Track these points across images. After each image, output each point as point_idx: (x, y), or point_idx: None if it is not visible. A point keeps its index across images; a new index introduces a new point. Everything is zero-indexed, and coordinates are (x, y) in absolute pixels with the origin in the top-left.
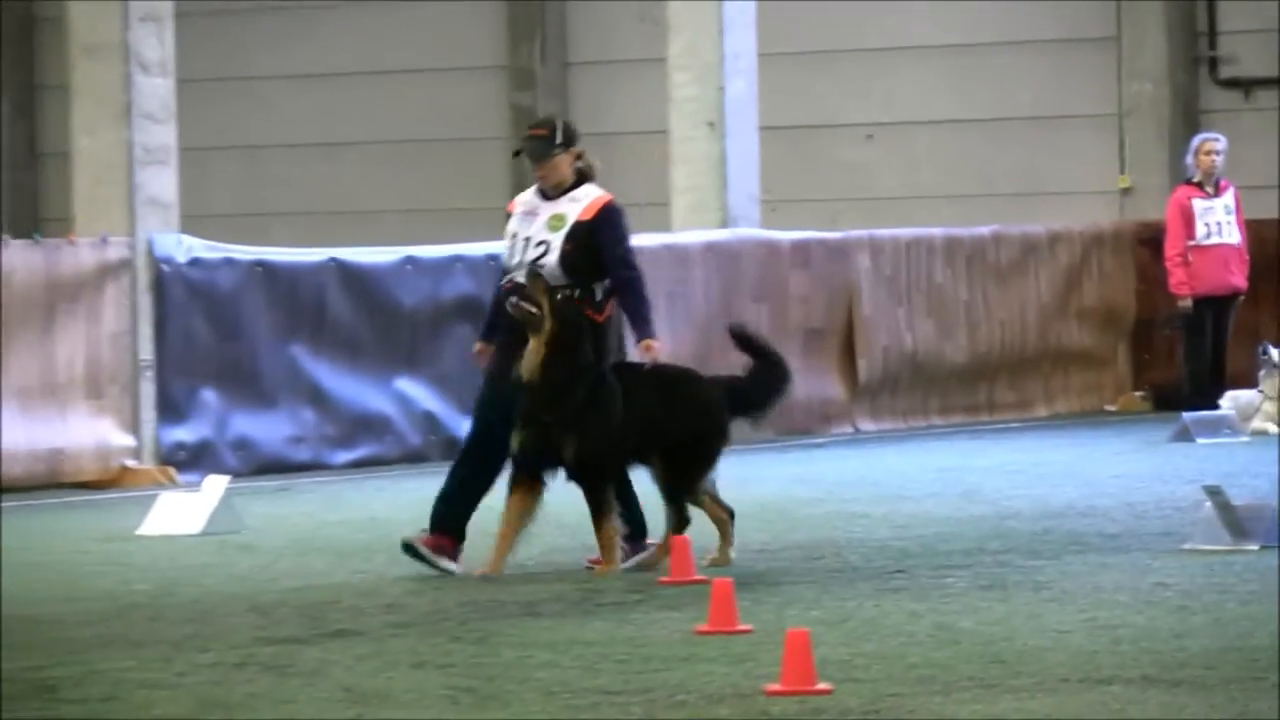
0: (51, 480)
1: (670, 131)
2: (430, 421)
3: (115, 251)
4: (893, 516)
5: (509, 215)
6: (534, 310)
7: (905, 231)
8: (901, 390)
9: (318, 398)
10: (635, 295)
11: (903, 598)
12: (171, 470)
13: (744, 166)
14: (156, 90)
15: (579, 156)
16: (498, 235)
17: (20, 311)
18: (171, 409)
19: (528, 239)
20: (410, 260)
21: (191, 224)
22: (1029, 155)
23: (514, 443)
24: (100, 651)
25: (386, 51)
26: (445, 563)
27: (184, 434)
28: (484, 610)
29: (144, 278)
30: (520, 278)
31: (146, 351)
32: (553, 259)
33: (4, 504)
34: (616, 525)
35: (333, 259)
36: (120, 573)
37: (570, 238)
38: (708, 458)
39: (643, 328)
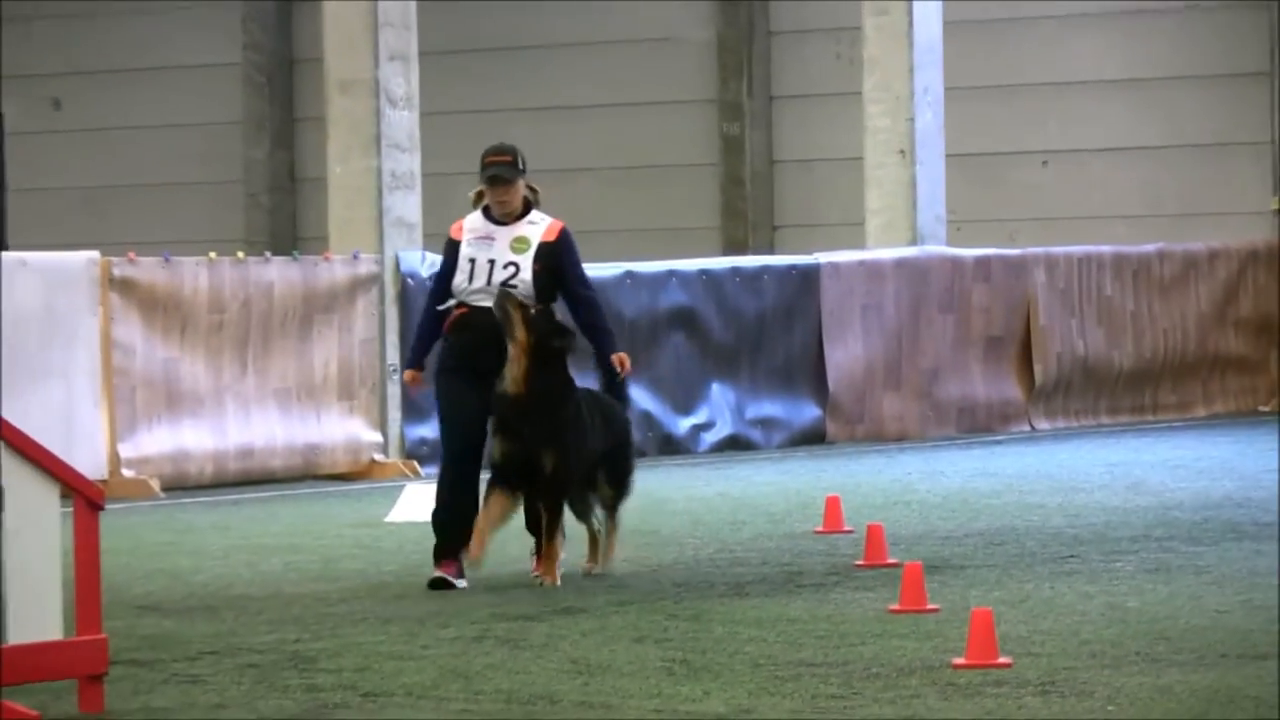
0: (308, 473)
1: (865, 158)
2: (648, 420)
3: (365, 267)
4: (1066, 507)
5: (452, 241)
6: (509, 315)
7: (1077, 249)
8: (1074, 392)
9: None
10: (598, 312)
11: (1076, 580)
12: (415, 464)
13: (931, 190)
14: (403, 122)
15: (528, 184)
16: (709, 252)
17: (280, 321)
18: (415, 409)
19: (491, 261)
20: (630, 274)
21: (434, 242)
22: (1191, 179)
23: (495, 452)
24: (353, 627)
25: (613, 87)
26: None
27: (426, 431)
28: (697, 590)
29: (390, 290)
30: (481, 300)
31: (393, 356)
32: (526, 278)
33: (266, 494)
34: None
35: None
36: (369, 556)
37: (538, 258)
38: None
39: (611, 342)
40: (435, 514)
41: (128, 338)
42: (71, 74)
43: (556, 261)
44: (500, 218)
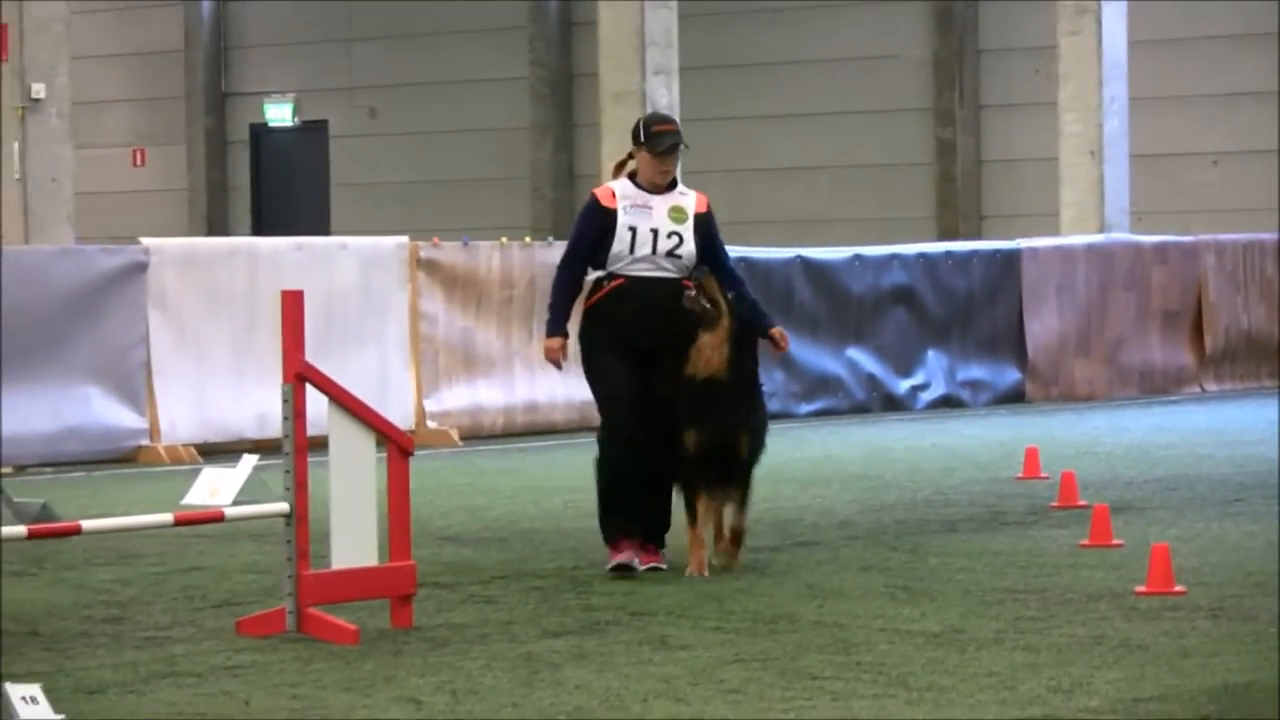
0: (584, 425)
1: (1060, 159)
2: (873, 381)
3: None
4: (1233, 457)
5: (603, 208)
6: (710, 306)
7: (1242, 236)
8: (1238, 360)
9: (786, 362)
10: (747, 286)
11: (1241, 520)
12: None
13: (1117, 186)
14: None
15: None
16: (926, 239)
17: None
18: None
19: (654, 230)
20: (858, 258)
21: None
22: None
23: (688, 443)
24: None
25: (845, 97)
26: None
27: None
28: (914, 527)
29: None
30: (645, 271)
31: None
32: (690, 249)
33: (548, 443)
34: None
35: (799, 256)
36: None
37: (695, 229)
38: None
39: (767, 317)
40: (607, 500)
41: (432, 310)
42: (385, 86)
43: (708, 232)
44: (653, 187)
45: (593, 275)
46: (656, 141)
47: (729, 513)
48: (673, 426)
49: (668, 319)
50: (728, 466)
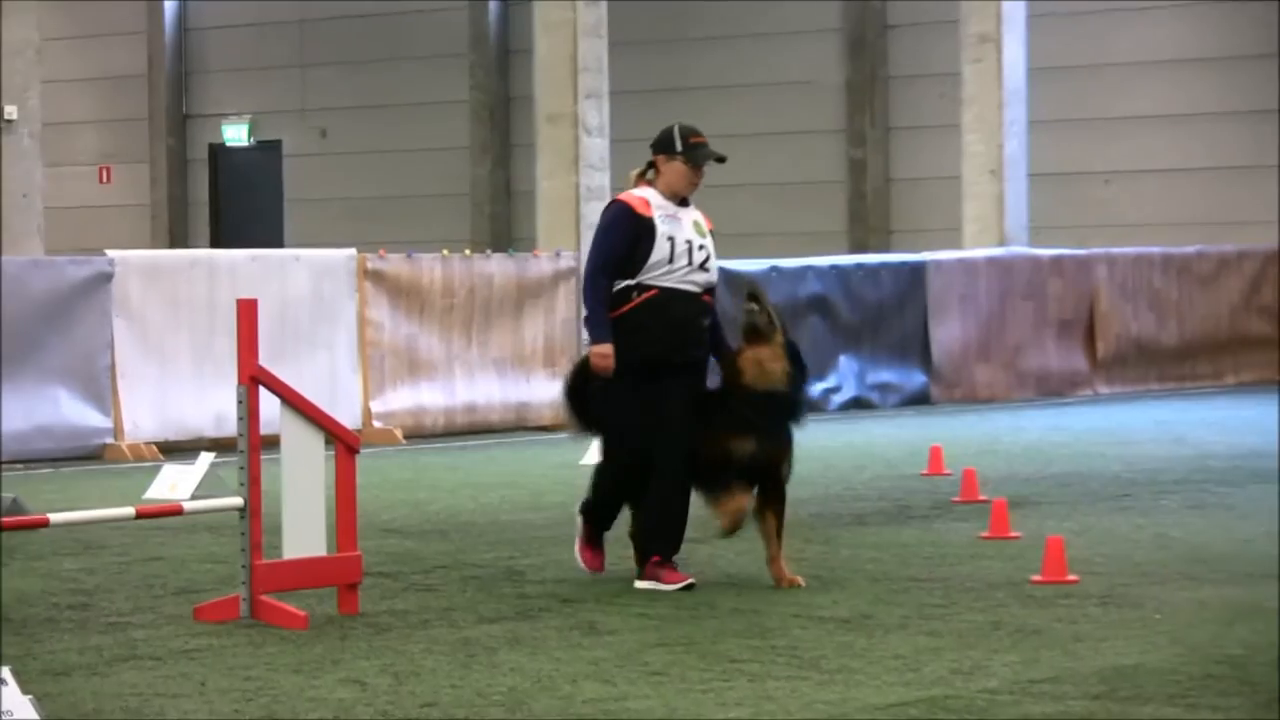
0: (519, 425)
1: (963, 177)
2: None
3: (565, 262)
4: (1123, 455)
5: (640, 216)
6: (769, 320)
7: (1133, 250)
8: (1129, 364)
9: (711, 367)
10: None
11: (1130, 514)
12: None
13: (1017, 203)
14: (596, 147)
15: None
16: (839, 252)
17: (498, 304)
18: None
19: (689, 242)
20: (775, 269)
21: None
22: (1224, 194)
23: (739, 454)
24: (555, 547)
25: (765, 120)
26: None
27: None
28: (827, 520)
29: None
30: (683, 284)
31: (587, 333)
32: (714, 263)
33: (486, 442)
34: None
35: (720, 268)
36: (568, 491)
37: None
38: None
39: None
40: (669, 517)
41: (378, 317)
42: (335, 109)
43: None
44: (676, 200)
45: (618, 285)
46: (697, 153)
47: (770, 519)
48: (690, 436)
49: (699, 332)
50: (775, 477)
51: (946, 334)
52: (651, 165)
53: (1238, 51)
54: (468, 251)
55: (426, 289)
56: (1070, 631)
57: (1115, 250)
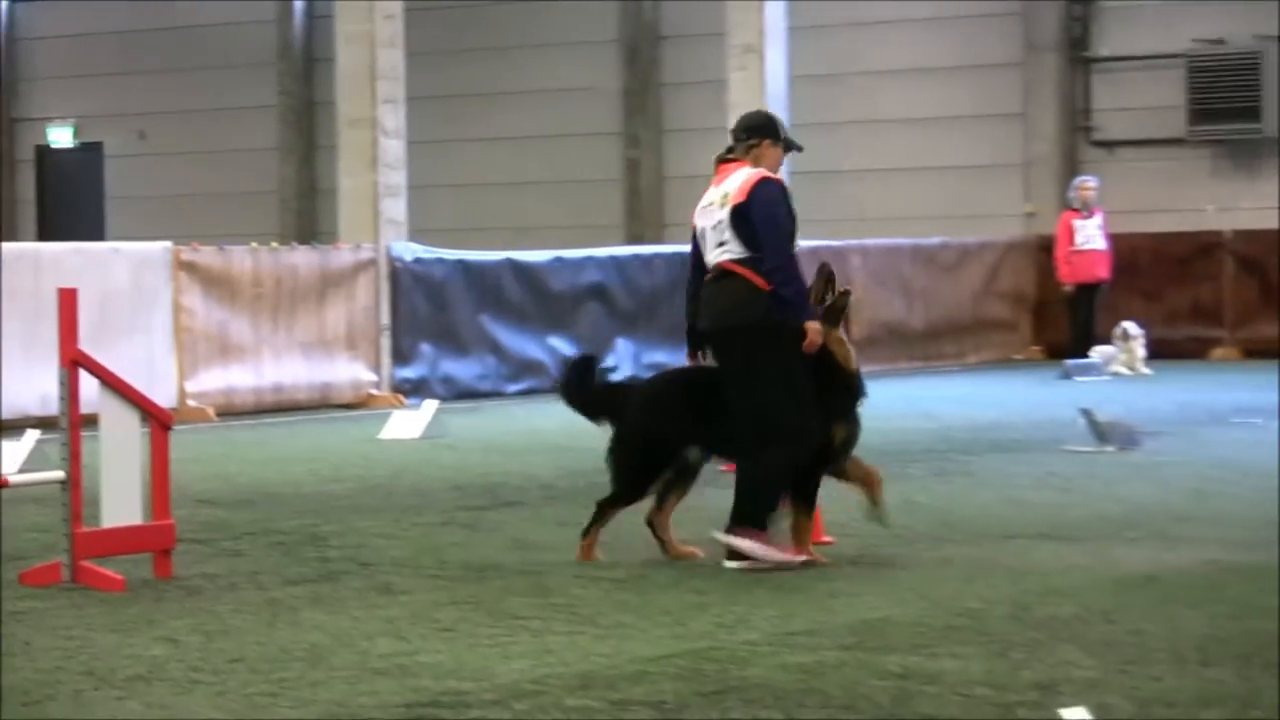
0: (323, 403)
1: None
2: None
3: (365, 254)
4: (877, 429)
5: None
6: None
7: (884, 241)
8: (881, 345)
9: (498, 349)
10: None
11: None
12: (401, 396)
13: None
14: (393, 148)
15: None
16: (617, 243)
17: (303, 292)
18: (401, 356)
19: None
20: (559, 259)
21: (416, 235)
22: (967, 191)
23: (837, 436)
24: (354, 515)
25: (550, 123)
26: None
27: (409, 373)
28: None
29: (384, 271)
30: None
31: (385, 319)
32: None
33: (292, 419)
34: None
35: (508, 259)
36: (366, 464)
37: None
38: None
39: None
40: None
41: (192, 305)
42: (153, 113)
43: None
44: None
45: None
46: (792, 142)
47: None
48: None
49: None
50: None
51: None
52: (735, 148)
53: (980, 61)
54: (275, 244)
55: (237, 279)
56: (826, 588)
57: (869, 242)
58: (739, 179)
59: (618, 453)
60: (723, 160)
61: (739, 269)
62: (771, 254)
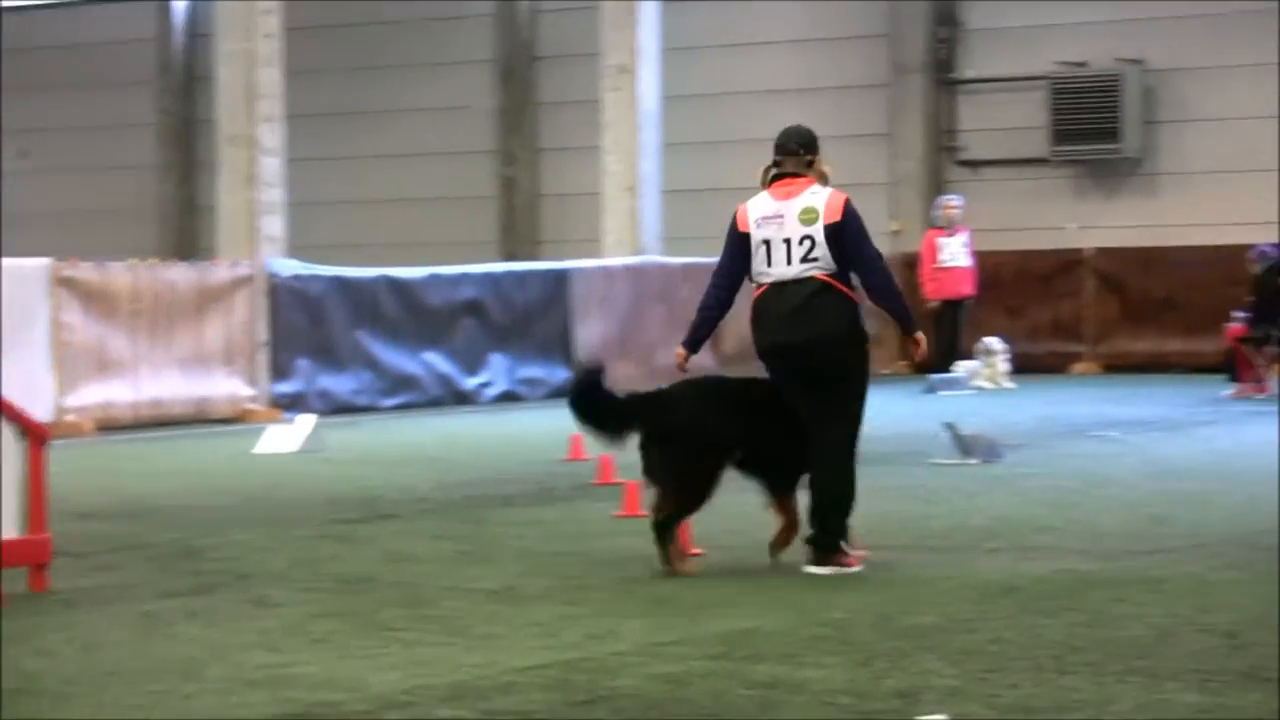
0: (200, 417)
1: (603, 194)
2: (446, 379)
3: (243, 270)
4: None
5: None
6: None
7: None
8: (749, 360)
9: (373, 364)
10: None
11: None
12: (278, 411)
13: (650, 216)
14: (272, 166)
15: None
16: (492, 260)
17: (181, 308)
18: (279, 371)
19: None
20: (434, 275)
21: (295, 252)
22: None
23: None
24: (231, 528)
25: (426, 140)
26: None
27: (287, 387)
28: (478, 501)
29: (262, 287)
30: None
31: (263, 334)
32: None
33: (170, 433)
34: None
35: (385, 275)
36: (243, 477)
37: None
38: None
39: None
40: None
41: (71, 320)
42: (34, 130)
43: None
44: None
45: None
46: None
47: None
48: None
49: None
50: None
51: (588, 333)
52: (783, 162)
53: (849, 82)
54: (154, 261)
55: (116, 294)
56: (695, 599)
57: None
58: (823, 197)
59: (670, 459)
60: (780, 175)
61: (835, 283)
62: (878, 273)
